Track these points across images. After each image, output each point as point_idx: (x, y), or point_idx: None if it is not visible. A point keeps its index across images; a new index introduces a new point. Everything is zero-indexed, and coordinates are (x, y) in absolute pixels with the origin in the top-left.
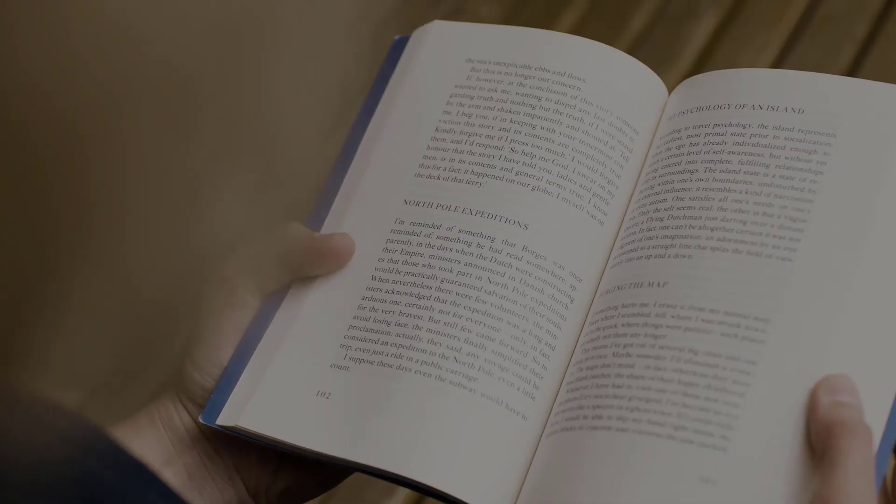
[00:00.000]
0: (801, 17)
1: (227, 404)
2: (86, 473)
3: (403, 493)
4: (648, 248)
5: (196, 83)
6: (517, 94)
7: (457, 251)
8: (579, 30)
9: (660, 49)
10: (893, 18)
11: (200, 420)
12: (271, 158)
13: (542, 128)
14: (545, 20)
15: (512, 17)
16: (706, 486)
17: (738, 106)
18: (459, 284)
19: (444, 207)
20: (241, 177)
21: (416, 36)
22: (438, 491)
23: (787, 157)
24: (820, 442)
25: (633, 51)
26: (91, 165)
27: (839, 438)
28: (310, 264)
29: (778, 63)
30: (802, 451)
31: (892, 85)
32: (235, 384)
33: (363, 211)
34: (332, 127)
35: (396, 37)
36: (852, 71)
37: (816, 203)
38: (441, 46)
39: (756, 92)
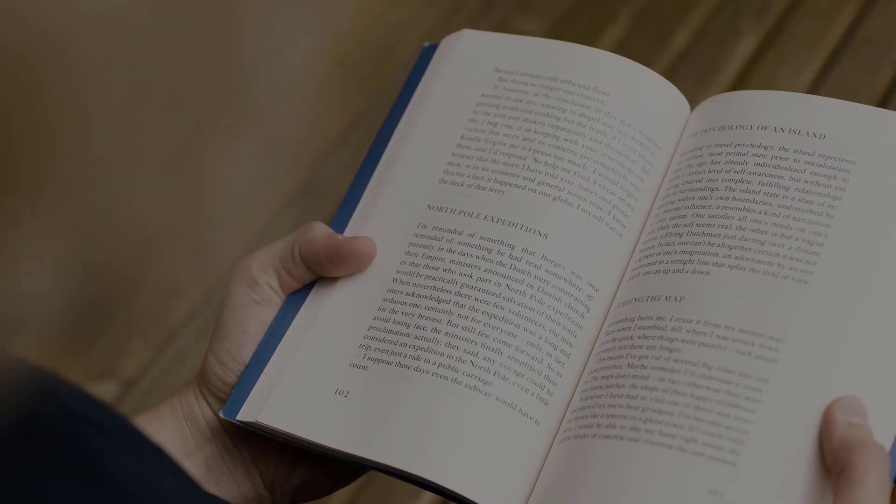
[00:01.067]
0: (841, 39)
1: (247, 400)
2: (98, 449)
3: (429, 496)
4: (667, 263)
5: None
6: (542, 105)
7: (477, 257)
8: (622, 46)
9: (701, 66)
10: None
11: (221, 415)
12: (252, 112)
13: (565, 139)
14: (588, 36)
15: (556, 33)
16: (714, 499)
17: (760, 127)
18: (478, 290)
19: (467, 214)
20: (226, 132)
21: (446, 44)
22: (450, 491)
23: (806, 181)
24: (838, 460)
25: (674, 68)
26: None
27: (858, 456)
28: (331, 266)
29: (816, 83)
30: (810, 469)
31: None
32: (256, 381)
33: (387, 213)
34: (318, 90)
35: (426, 44)
36: (889, 93)
37: (834, 228)
38: (470, 55)
39: (779, 114)
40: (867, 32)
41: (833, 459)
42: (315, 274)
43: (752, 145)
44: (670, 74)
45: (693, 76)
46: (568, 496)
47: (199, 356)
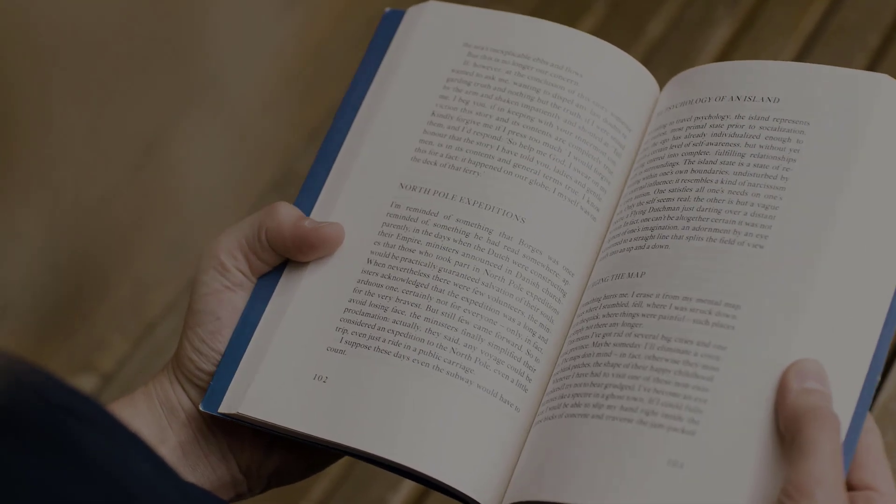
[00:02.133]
0: (816, 26)
1: (227, 392)
2: (74, 436)
3: (408, 487)
4: (630, 241)
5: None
6: (515, 83)
7: (454, 241)
8: (597, 35)
9: (676, 55)
10: None
11: (201, 408)
12: (217, 95)
13: (539, 121)
14: (564, 24)
15: None
16: (674, 469)
17: (717, 98)
18: (457, 274)
19: (442, 195)
20: (190, 114)
21: (411, 14)
22: (431, 478)
23: (761, 146)
24: (789, 429)
25: (649, 56)
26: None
27: (809, 426)
28: (299, 253)
29: None
30: (770, 435)
31: (866, 72)
32: (235, 371)
33: (358, 191)
34: (290, 81)
35: (388, 9)
36: None
37: (788, 190)
38: (438, 27)
39: (735, 83)
40: (841, 20)
41: (785, 427)
42: (283, 257)
43: (709, 116)
44: (646, 63)
45: (668, 65)
46: (540, 478)
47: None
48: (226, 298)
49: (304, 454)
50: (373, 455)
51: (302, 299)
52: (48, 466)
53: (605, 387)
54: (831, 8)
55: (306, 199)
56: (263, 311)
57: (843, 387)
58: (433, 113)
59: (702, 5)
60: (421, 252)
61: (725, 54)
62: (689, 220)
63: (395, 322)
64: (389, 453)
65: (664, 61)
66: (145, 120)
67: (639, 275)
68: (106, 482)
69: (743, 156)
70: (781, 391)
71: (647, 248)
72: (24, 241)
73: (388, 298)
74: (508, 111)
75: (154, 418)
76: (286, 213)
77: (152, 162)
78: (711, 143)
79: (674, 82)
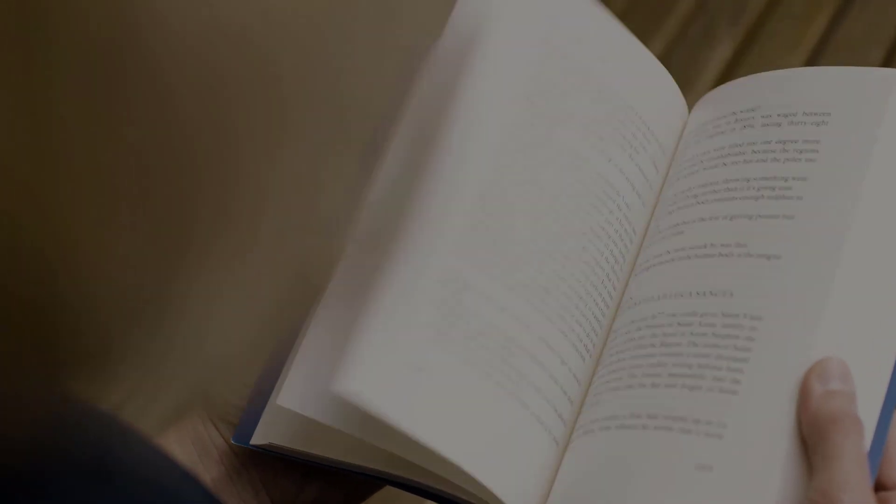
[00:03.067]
0: (818, 42)
1: (259, 424)
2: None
3: None
4: (657, 257)
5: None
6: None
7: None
8: None
9: (678, 73)
10: None
11: (233, 441)
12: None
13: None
14: None
15: None
16: (702, 473)
17: (747, 110)
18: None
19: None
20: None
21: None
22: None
23: (775, 159)
24: (812, 435)
25: None
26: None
27: (831, 432)
28: None
29: None
30: (797, 436)
31: (883, 69)
32: (265, 404)
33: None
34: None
35: None
36: None
37: (805, 199)
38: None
39: (751, 97)
40: (844, 34)
41: (808, 434)
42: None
43: (731, 130)
44: None
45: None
46: (574, 494)
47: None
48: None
49: (339, 485)
50: (405, 479)
51: (331, 325)
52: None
53: (637, 400)
54: (833, 24)
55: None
56: (294, 340)
57: (867, 386)
58: (514, 108)
59: (703, 23)
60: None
61: (728, 72)
62: (705, 244)
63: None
64: (418, 476)
65: None
66: None
67: (669, 296)
68: None
69: (761, 168)
70: (804, 395)
71: (672, 265)
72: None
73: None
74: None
75: (185, 456)
76: None
77: None
78: (729, 160)
79: (699, 106)
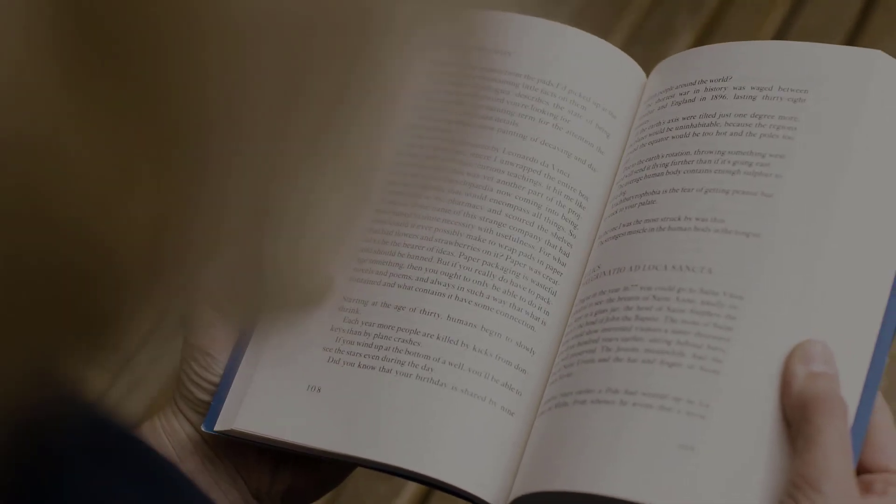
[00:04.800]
0: (778, 31)
1: (223, 409)
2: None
3: (409, 493)
4: (628, 228)
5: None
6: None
7: (436, 250)
8: None
9: (640, 65)
10: (867, 32)
11: (202, 428)
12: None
13: (520, 115)
14: None
15: None
16: (685, 453)
17: (702, 81)
18: (447, 278)
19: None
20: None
21: None
22: (434, 479)
23: (751, 134)
24: (795, 417)
25: None
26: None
27: (814, 414)
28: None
29: None
30: (780, 418)
31: (861, 48)
32: (229, 389)
33: None
34: None
35: None
36: None
37: (785, 178)
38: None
39: (719, 65)
40: (802, 25)
41: (791, 416)
42: None
43: (700, 99)
44: None
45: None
46: (547, 468)
47: (155, 383)
48: (217, 334)
49: (312, 471)
50: (372, 462)
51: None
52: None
53: (614, 375)
54: (792, 13)
55: None
56: (253, 332)
57: (849, 368)
58: (408, 126)
59: (662, 15)
60: (400, 269)
61: None
62: (691, 215)
63: (382, 337)
64: (388, 458)
65: None
66: None
67: (642, 268)
68: None
69: (736, 141)
70: (786, 378)
71: (645, 234)
72: None
73: (370, 325)
74: (489, 116)
75: (161, 448)
76: None
77: None
78: (700, 131)
79: (660, 69)
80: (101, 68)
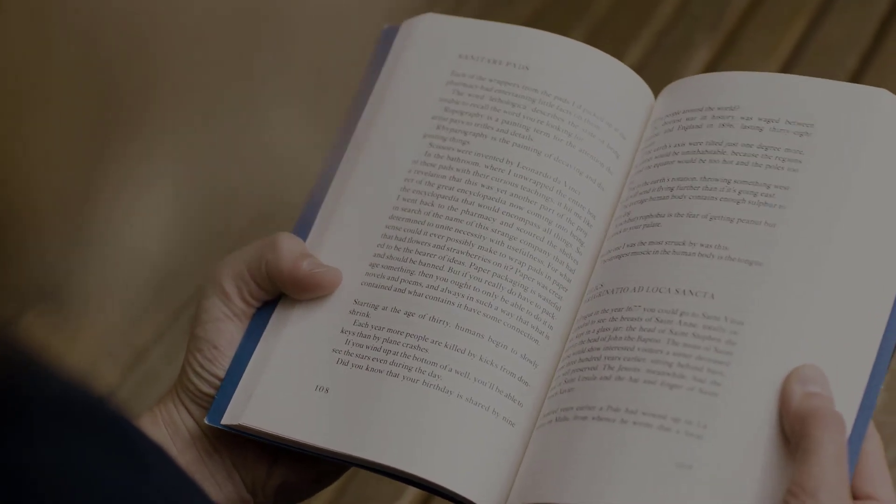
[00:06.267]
0: (794, 49)
1: (230, 404)
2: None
3: (411, 495)
4: (634, 248)
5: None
6: (513, 94)
7: (443, 268)
8: None
9: (656, 80)
10: (883, 51)
11: (206, 421)
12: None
13: (535, 130)
14: None
15: None
16: (682, 471)
17: (711, 108)
18: (450, 295)
19: (434, 225)
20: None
21: (405, 30)
22: (436, 485)
23: (756, 165)
24: (794, 431)
25: None
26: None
27: (813, 427)
28: (293, 291)
29: None
30: (774, 440)
31: (867, 86)
32: (237, 384)
33: (350, 218)
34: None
35: (386, 26)
36: None
37: (788, 209)
38: (432, 41)
39: (730, 93)
40: (821, 41)
41: (791, 431)
42: (281, 291)
43: (707, 126)
44: None
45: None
46: (542, 480)
47: (168, 379)
48: (224, 328)
49: (308, 468)
50: (373, 464)
51: (301, 316)
52: (120, 466)
53: (615, 393)
54: (810, 30)
55: (302, 225)
56: (266, 325)
57: (844, 395)
58: (425, 135)
59: (681, 30)
60: (412, 275)
61: None
62: (692, 243)
63: (389, 341)
64: (391, 461)
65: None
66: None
67: (646, 289)
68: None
69: (742, 171)
70: (785, 397)
71: (651, 256)
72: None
73: (380, 329)
74: (506, 130)
75: (160, 439)
76: (287, 248)
77: None
78: (707, 158)
79: (667, 92)
80: None
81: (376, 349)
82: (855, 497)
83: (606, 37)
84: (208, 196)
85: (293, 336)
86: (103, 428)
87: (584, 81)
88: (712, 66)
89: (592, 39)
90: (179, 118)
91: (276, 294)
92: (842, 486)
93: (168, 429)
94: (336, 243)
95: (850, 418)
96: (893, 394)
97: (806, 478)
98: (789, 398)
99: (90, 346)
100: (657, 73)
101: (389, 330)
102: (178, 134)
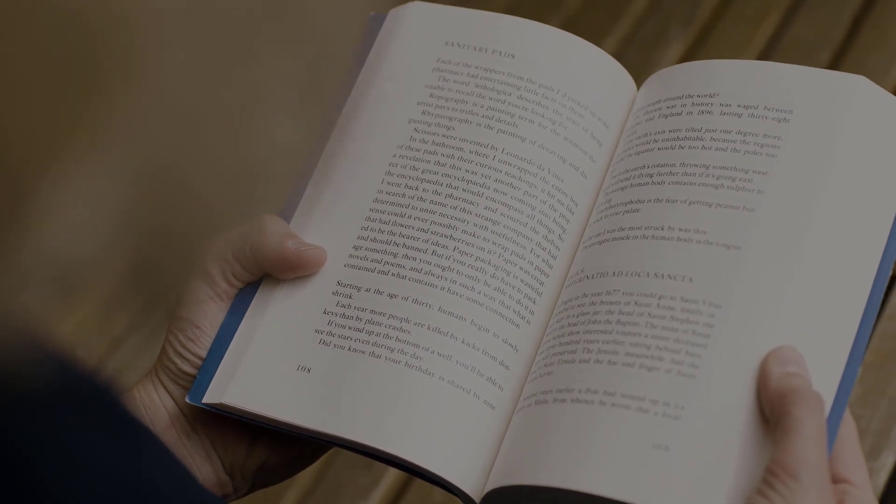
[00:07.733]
0: (768, 44)
1: (211, 383)
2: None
3: (378, 493)
4: (613, 234)
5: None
6: (498, 81)
7: (427, 251)
8: None
9: (630, 73)
10: (856, 46)
11: (187, 400)
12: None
13: (520, 117)
14: None
15: None
16: (659, 452)
17: (690, 95)
18: (433, 278)
19: (416, 208)
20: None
21: (393, 17)
22: (416, 466)
23: (735, 150)
24: (774, 410)
25: None
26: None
27: (792, 405)
28: (279, 271)
29: None
30: (752, 420)
31: (843, 73)
32: (220, 363)
33: (334, 200)
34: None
35: (372, 13)
36: None
37: (766, 194)
38: (419, 28)
39: (706, 82)
40: (793, 36)
41: (770, 410)
42: (266, 272)
43: (687, 114)
44: None
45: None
46: (521, 462)
47: (141, 369)
48: (208, 309)
49: (287, 448)
50: (353, 443)
51: (284, 296)
52: (120, 446)
53: (594, 376)
54: (783, 25)
55: (287, 208)
56: (248, 306)
57: (821, 377)
58: (410, 120)
59: (655, 23)
60: (395, 258)
61: None
62: (673, 227)
63: (375, 323)
64: (372, 441)
65: None
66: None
67: (625, 273)
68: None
69: (721, 156)
70: (763, 377)
71: (631, 241)
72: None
73: (362, 310)
74: (491, 116)
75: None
76: (272, 229)
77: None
78: (686, 144)
79: (649, 82)
80: None
81: (359, 330)
82: (833, 481)
83: (580, 30)
84: (172, 184)
85: (276, 316)
86: (96, 406)
87: (569, 71)
88: (686, 61)
89: (568, 30)
90: (154, 103)
91: (260, 275)
92: (822, 465)
93: (147, 410)
94: (320, 225)
95: (828, 401)
96: (867, 387)
97: (787, 457)
98: (767, 378)
99: (67, 332)
100: (631, 68)
101: (372, 311)
102: (154, 119)
